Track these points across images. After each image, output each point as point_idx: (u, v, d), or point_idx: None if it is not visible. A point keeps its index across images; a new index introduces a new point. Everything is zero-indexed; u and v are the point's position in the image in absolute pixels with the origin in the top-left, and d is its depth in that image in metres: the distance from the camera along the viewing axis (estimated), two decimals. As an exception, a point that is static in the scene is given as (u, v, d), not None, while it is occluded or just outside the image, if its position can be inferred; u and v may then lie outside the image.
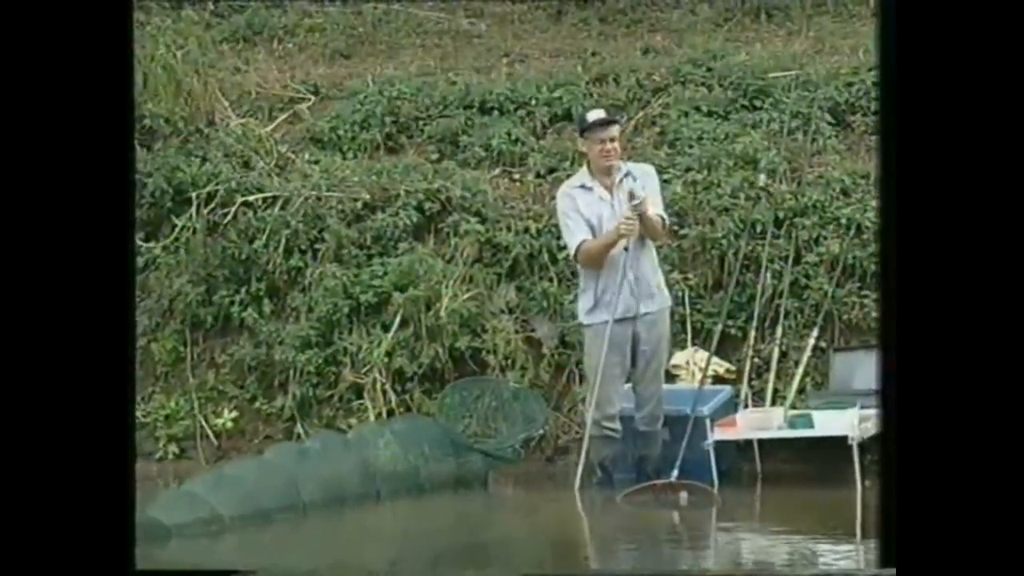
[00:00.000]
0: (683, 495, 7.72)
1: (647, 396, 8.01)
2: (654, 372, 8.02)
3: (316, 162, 10.16)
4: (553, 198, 8.68)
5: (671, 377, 8.59)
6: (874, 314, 8.52)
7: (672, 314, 8.82)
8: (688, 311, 8.84)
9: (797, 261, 8.84)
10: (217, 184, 9.82)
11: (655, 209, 7.91)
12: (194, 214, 9.72)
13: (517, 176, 9.93)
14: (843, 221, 8.92)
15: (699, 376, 8.33)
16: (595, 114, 8.09)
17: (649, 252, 8.01)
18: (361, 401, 8.98)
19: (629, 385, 8.05)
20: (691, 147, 9.72)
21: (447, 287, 9.07)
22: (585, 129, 8.05)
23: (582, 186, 8.03)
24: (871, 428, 7.67)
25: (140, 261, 9.54)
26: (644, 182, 7.98)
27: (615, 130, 8.05)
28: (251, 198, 9.73)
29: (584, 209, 7.95)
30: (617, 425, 7.95)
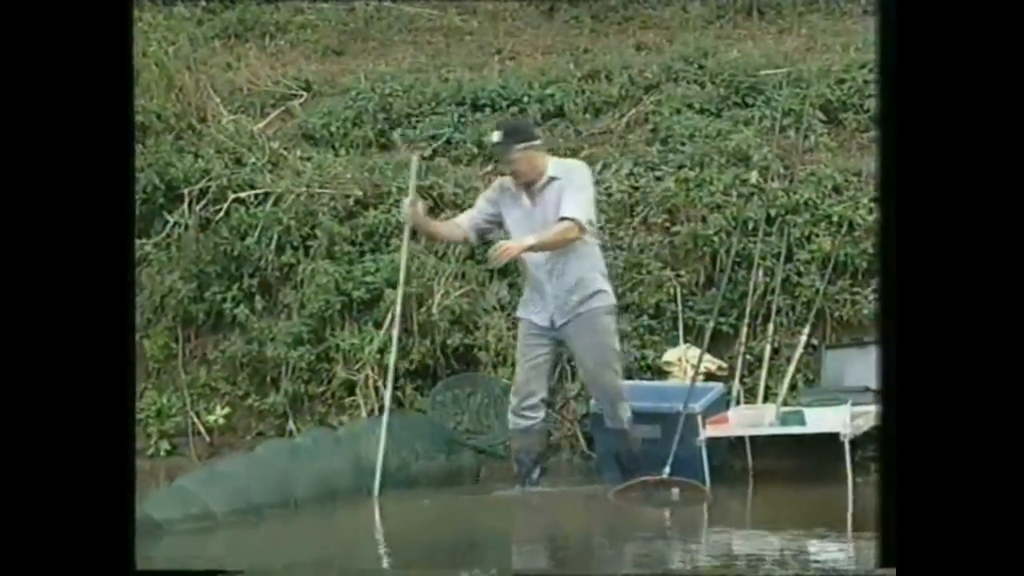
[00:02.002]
0: (674, 492, 7.75)
1: (600, 395, 7.99)
2: (600, 371, 7.89)
3: (308, 159, 10.14)
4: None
5: (663, 374, 8.61)
6: (866, 311, 8.57)
7: (663, 311, 8.87)
8: (680, 308, 8.85)
9: (789, 258, 8.86)
10: (209, 180, 9.80)
11: (571, 211, 7.66)
12: (186, 210, 9.72)
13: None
14: (835, 218, 8.94)
15: (691, 373, 8.34)
16: (493, 136, 8.03)
17: (580, 258, 7.80)
18: (353, 398, 8.98)
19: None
20: (683, 144, 9.73)
21: (439, 284, 9.07)
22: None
23: (502, 186, 8.01)
24: (863, 425, 7.70)
25: (132, 257, 9.52)
26: (564, 184, 7.78)
27: (516, 153, 7.80)
28: (243, 194, 9.72)
29: (491, 206, 7.94)
30: (535, 414, 7.91)
